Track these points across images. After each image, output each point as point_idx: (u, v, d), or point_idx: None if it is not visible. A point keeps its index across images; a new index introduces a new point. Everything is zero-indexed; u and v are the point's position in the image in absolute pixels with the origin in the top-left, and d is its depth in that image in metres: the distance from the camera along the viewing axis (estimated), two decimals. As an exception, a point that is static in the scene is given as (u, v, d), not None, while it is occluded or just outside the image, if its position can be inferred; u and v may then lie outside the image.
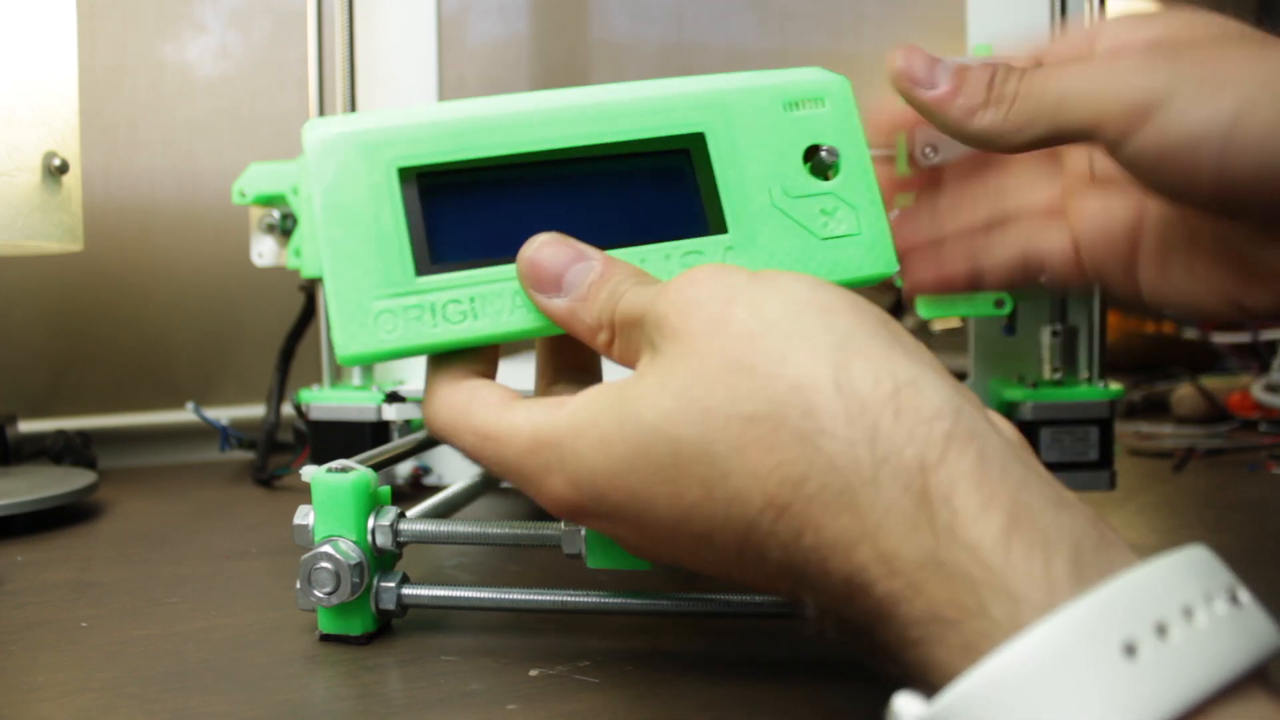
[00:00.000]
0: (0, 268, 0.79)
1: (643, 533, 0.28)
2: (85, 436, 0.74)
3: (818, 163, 0.35)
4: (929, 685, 0.21)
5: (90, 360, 0.84)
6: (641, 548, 0.29)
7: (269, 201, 0.67)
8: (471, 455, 0.31)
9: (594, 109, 0.34)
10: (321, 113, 0.66)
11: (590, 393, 0.29)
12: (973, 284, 0.40)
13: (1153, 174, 0.32)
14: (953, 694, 0.20)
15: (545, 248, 0.31)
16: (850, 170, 0.36)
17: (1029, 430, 0.58)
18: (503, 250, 0.32)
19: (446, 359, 0.32)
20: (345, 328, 0.31)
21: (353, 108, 0.64)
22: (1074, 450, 0.58)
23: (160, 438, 0.83)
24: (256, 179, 0.66)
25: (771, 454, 0.24)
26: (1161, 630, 0.19)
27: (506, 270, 0.32)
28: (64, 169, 0.61)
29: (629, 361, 0.30)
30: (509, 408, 0.30)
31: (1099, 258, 0.38)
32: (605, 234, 0.33)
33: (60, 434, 0.73)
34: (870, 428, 0.23)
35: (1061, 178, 0.40)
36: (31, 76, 0.60)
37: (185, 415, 0.79)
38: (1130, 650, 0.19)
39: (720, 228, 0.34)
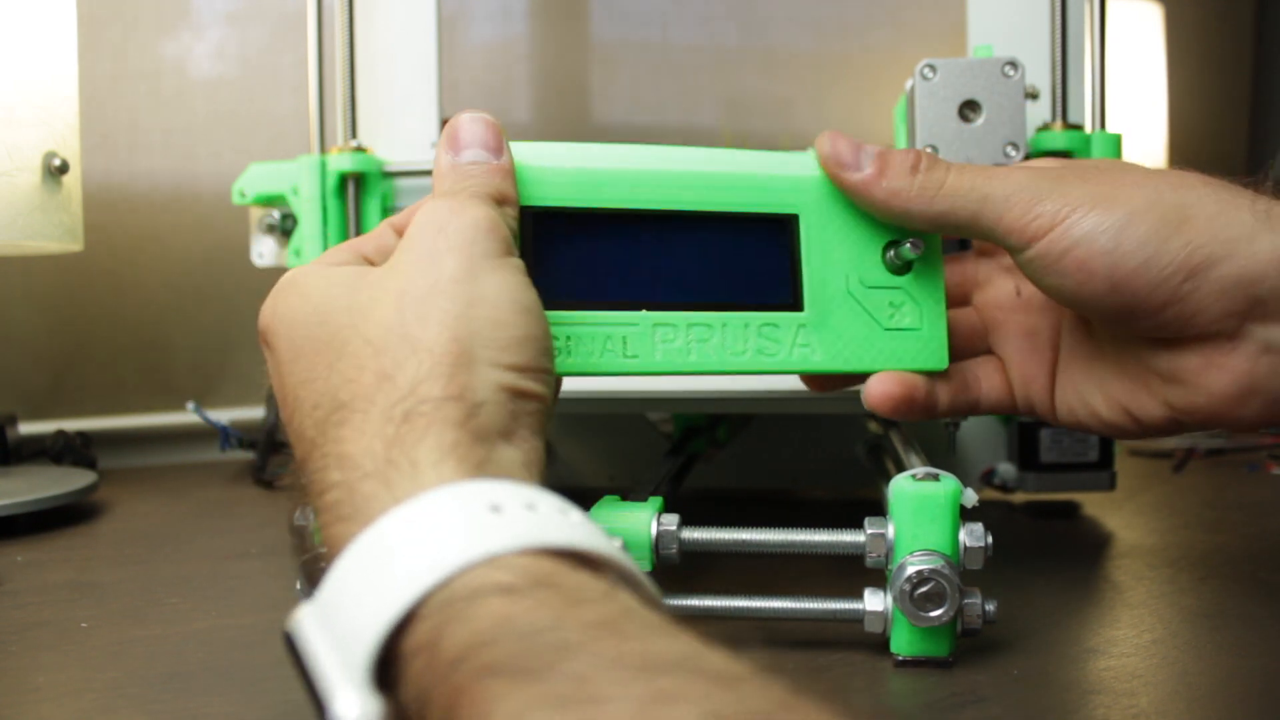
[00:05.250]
0: (0, 268, 0.79)
1: (284, 366, 0.31)
2: (85, 437, 0.74)
3: (898, 255, 0.38)
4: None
5: (90, 360, 0.84)
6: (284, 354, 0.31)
7: (269, 201, 0.67)
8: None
9: (698, 179, 0.37)
10: (321, 114, 0.66)
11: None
12: (927, 408, 0.39)
13: (1053, 278, 0.36)
14: (355, 546, 0.24)
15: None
16: (922, 270, 0.39)
17: (1029, 431, 0.58)
18: (599, 294, 0.35)
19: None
20: None
21: (353, 109, 0.64)
22: (1074, 451, 0.58)
23: (160, 438, 0.83)
24: (257, 179, 0.66)
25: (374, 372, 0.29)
26: (531, 506, 0.25)
27: (601, 316, 0.35)
28: (64, 169, 0.61)
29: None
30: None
31: (1026, 375, 0.41)
32: (698, 291, 0.37)
33: (60, 434, 0.73)
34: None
35: (985, 307, 0.43)
36: (31, 76, 0.60)
37: (185, 415, 0.79)
38: (497, 509, 0.24)
39: (797, 305, 0.37)
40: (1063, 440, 0.58)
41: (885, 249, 0.38)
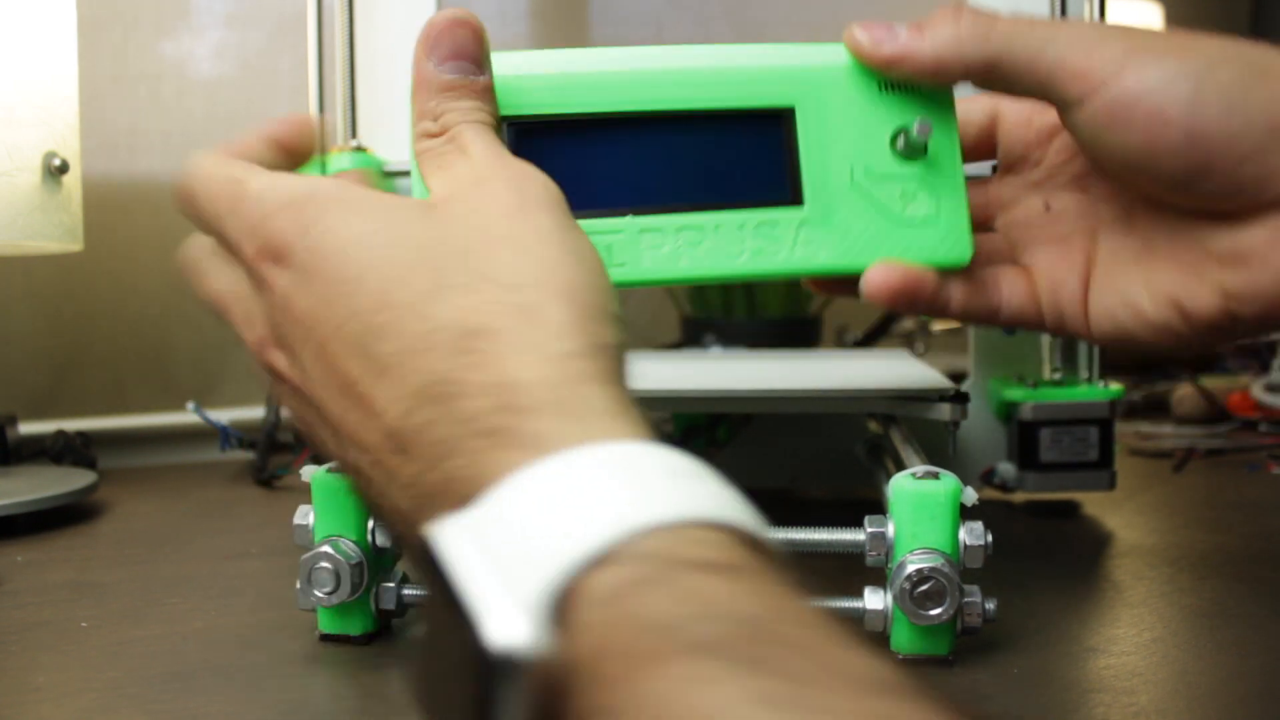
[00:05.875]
0: (0, 268, 0.78)
1: (338, 287, 0.28)
2: (85, 437, 0.74)
3: (907, 141, 0.35)
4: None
5: (90, 360, 0.84)
6: (304, 323, 0.29)
7: (269, 202, 0.67)
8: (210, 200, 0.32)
9: (688, 75, 0.35)
10: (321, 114, 0.66)
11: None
12: (935, 305, 0.37)
13: (1118, 133, 0.33)
14: (540, 470, 0.23)
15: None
16: (937, 154, 0.36)
17: (1029, 430, 0.58)
18: (582, 202, 0.33)
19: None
20: None
21: (353, 109, 0.64)
22: (1074, 450, 0.58)
23: (160, 438, 0.83)
24: (256, 179, 0.66)
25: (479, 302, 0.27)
26: (699, 474, 0.23)
27: (584, 225, 0.33)
28: (64, 169, 0.61)
29: None
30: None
31: (1055, 281, 0.38)
32: (687, 193, 0.35)
33: (60, 434, 0.72)
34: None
35: (1011, 227, 0.40)
36: (31, 76, 0.60)
37: (185, 415, 0.79)
38: (698, 476, 0.23)
39: (797, 200, 0.35)
40: (1063, 440, 0.58)
41: (894, 138, 0.36)
